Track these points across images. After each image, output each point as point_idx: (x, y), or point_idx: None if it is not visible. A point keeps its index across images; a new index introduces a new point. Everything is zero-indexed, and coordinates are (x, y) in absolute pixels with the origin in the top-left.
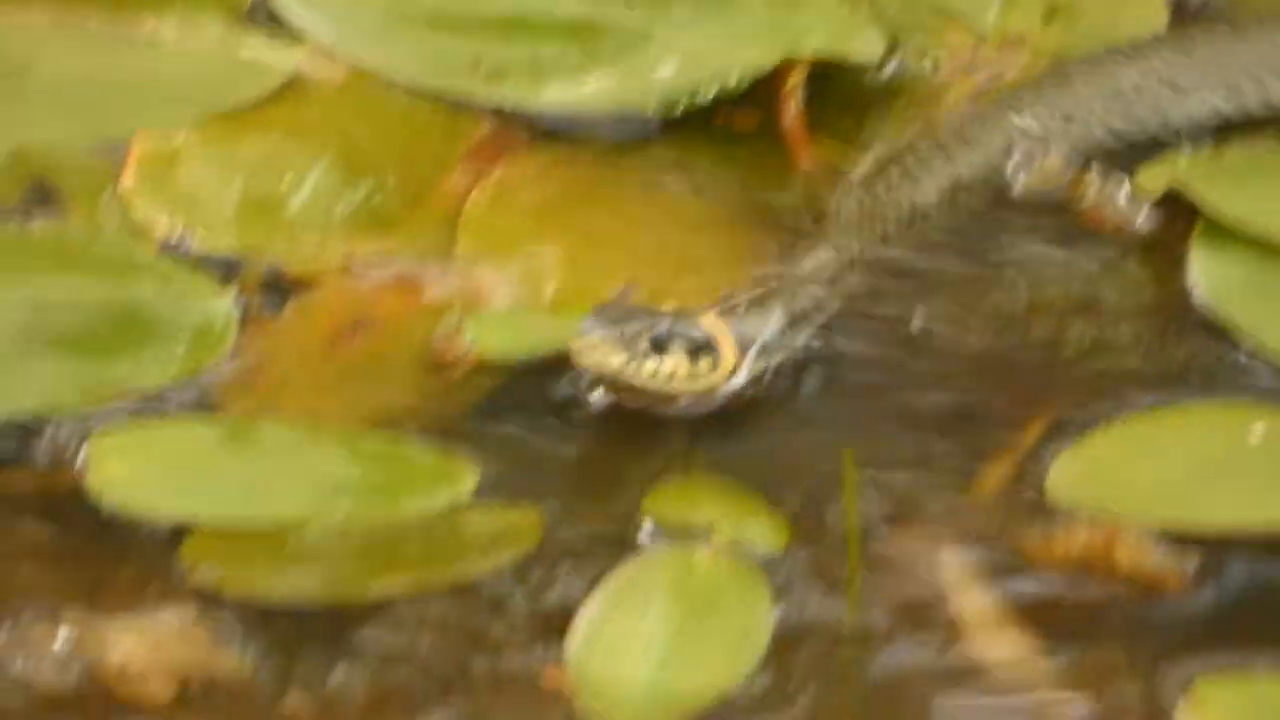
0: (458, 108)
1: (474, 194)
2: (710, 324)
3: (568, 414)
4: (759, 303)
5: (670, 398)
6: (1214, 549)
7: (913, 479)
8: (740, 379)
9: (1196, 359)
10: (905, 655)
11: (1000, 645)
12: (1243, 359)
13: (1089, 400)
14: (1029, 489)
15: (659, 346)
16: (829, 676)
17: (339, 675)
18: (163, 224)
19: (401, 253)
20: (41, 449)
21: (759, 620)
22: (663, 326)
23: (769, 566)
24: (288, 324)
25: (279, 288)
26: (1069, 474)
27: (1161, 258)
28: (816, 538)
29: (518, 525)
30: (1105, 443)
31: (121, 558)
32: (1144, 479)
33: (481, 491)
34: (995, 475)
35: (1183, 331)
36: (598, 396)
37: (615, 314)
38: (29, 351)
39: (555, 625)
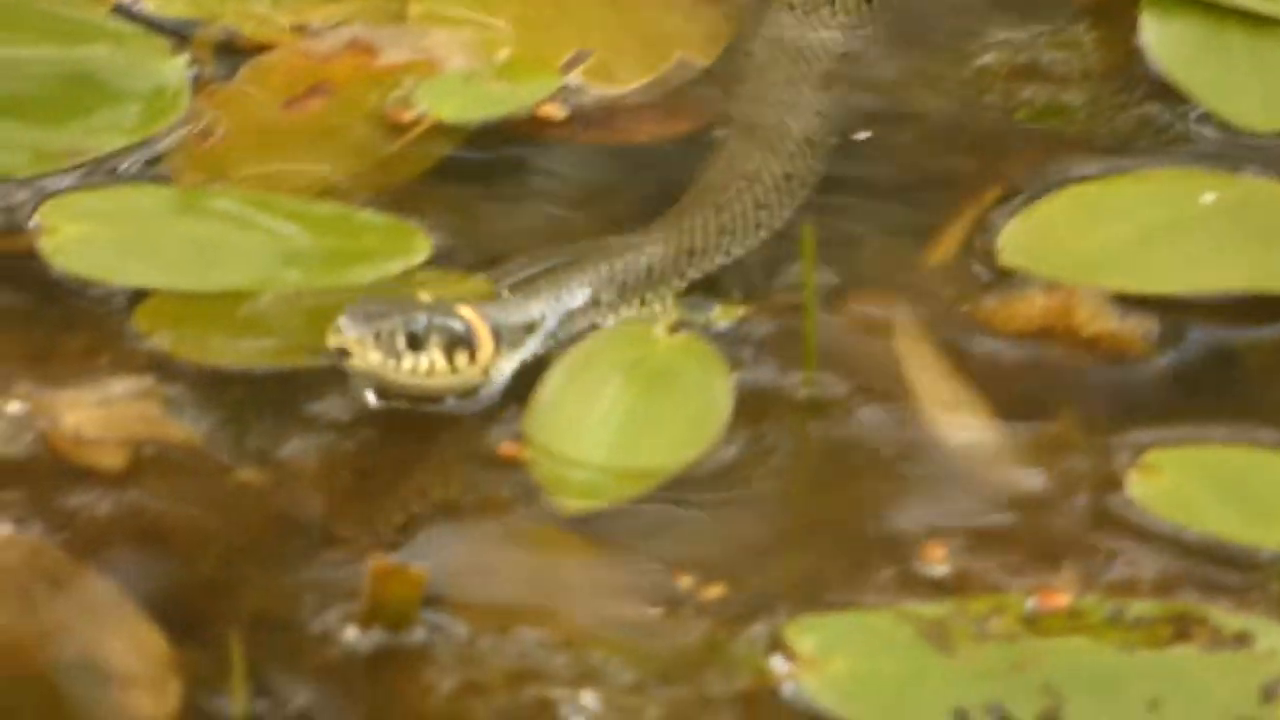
0: None
1: None
2: (467, 315)
3: (520, 180)
4: (526, 286)
5: (434, 395)
6: (1173, 315)
7: (867, 249)
8: (504, 371)
9: (1148, 123)
10: (861, 425)
11: (956, 414)
12: (1193, 123)
13: (1041, 166)
14: (984, 257)
15: (415, 343)
16: (786, 448)
17: (291, 445)
18: None
19: (355, 17)
20: None
21: (718, 394)
22: (419, 322)
23: (725, 341)
24: (241, 89)
25: (232, 52)
26: (1020, 239)
27: (1112, 22)
28: (771, 312)
29: (470, 293)
30: (1056, 208)
31: (74, 325)
32: (1094, 244)
33: (434, 259)
34: (949, 242)
35: (1134, 96)
36: (370, 398)
37: (372, 309)
38: None
39: (512, 398)
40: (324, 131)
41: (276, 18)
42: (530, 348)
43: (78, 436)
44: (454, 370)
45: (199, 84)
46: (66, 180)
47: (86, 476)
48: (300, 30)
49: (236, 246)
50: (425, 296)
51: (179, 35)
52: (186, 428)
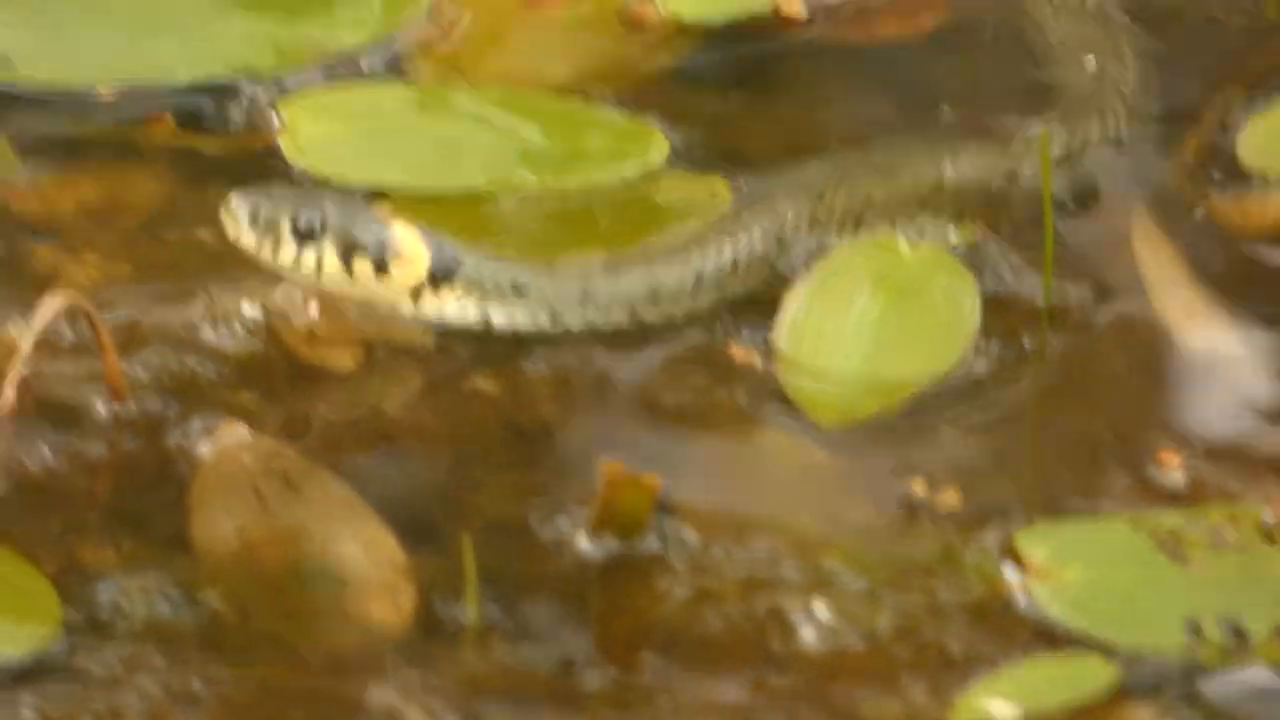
0: None
1: None
2: (397, 229)
3: (760, 80)
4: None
5: (352, 301)
6: None
7: (1105, 152)
8: (451, 310)
9: None
10: (1100, 333)
11: (1195, 321)
12: None
13: None
14: (1225, 158)
15: (304, 235)
16: (1024, 357)
17: (523, 352)
18: None
19: None
20: (235, 111)
21: (966, 306)
22: (311, 214)
23: (967, 255)
24: None
25: None
26: (1260, 137)
27: None
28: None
29: (709, 194)
30: None
31: None
32: None
33: (673, 159)
34: (1191, 144)
35: None
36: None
37: (277, 194)
38: (223, 8)
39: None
40: (564, 30)
41: None
42: (521, 312)
43: (311, 337)
44: (351, 275)
45: None
46: (307, 77)
47: (320, 378)
48: None
49: (475, 146)
50: (379, 209)
51: None
52: (419, 331)
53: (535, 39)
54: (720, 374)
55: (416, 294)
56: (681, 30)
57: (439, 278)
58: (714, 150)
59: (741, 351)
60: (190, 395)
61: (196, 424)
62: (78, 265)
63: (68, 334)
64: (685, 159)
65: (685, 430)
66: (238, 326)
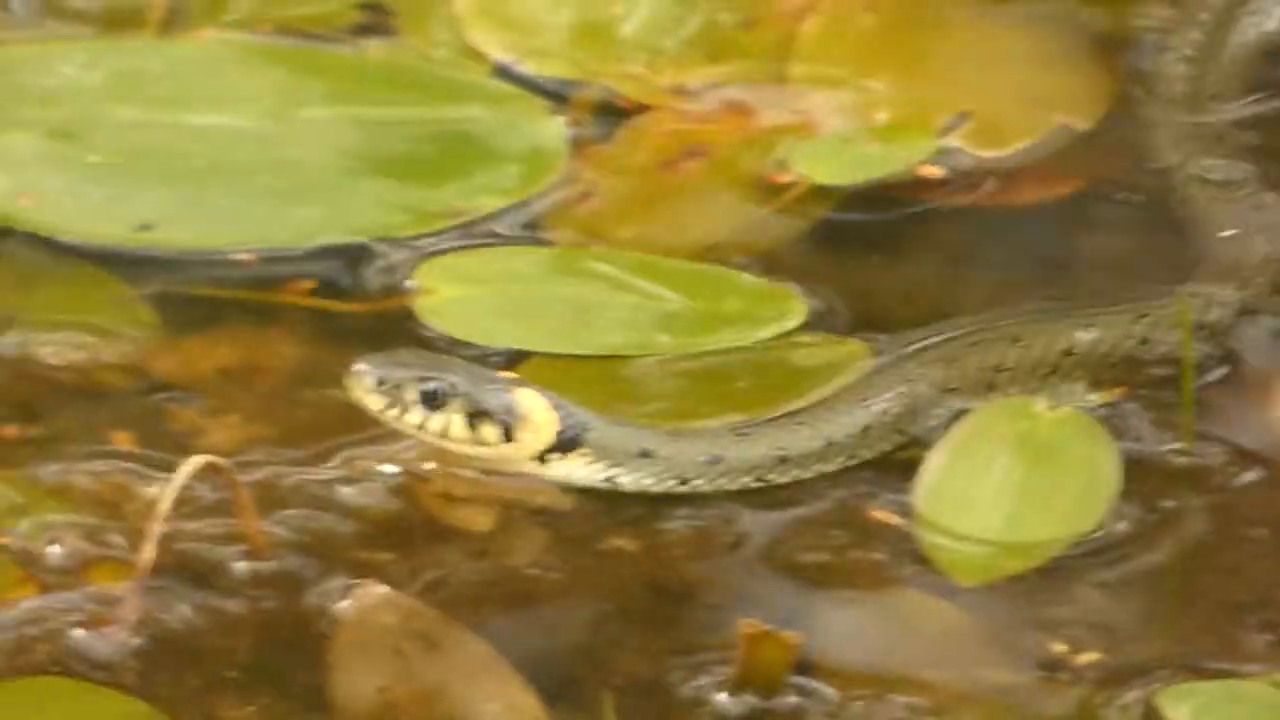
0: None
1: (807, 19)
2: (524, 394)
3: (897, 243)
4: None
5: (475, 464)
6: None
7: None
8: (576, 473)
9: None
10: (1240, 492)
11: None
12: None
13: None
14: None
15: (432, 401)
16: (1164, 517)
17: (662, 512)
18: (494, 47)
19: (733, 79)
20: (372, 273)
21: (1105, 467)
22: (438, 382)
23: (1105, 417)
24: (618, 151)
25: (610, 113)
26: None
27: None
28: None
29: (846, 357)
30: None
31: None
32: None
33: (811, 323)
34: None
35: None
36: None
37: (404, 360)
38: (360, 174)
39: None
40: (700, 193)
41: (655, 78)
42: (648, 476)
43: (448, 497)
44: (479, 441)
45: (576, 145)
46: (444, 240)
47: (458, 537)
48: (678, 91)
49: (612, 309)
50: (506, 375)
51: (557, 96)
52: (555, 491)
53: (672, 203)
54: (857, 533)
55: (543, 459)
56: (817, 194)
57: (566, 444)
58: (850, 313)
59: (878, 511)
60: (328, 554)
61: (335, 582)
62: (218, 425)
63: (208, 493)
64: (822, 322)
65: (824, 588)
66: (375, 486)
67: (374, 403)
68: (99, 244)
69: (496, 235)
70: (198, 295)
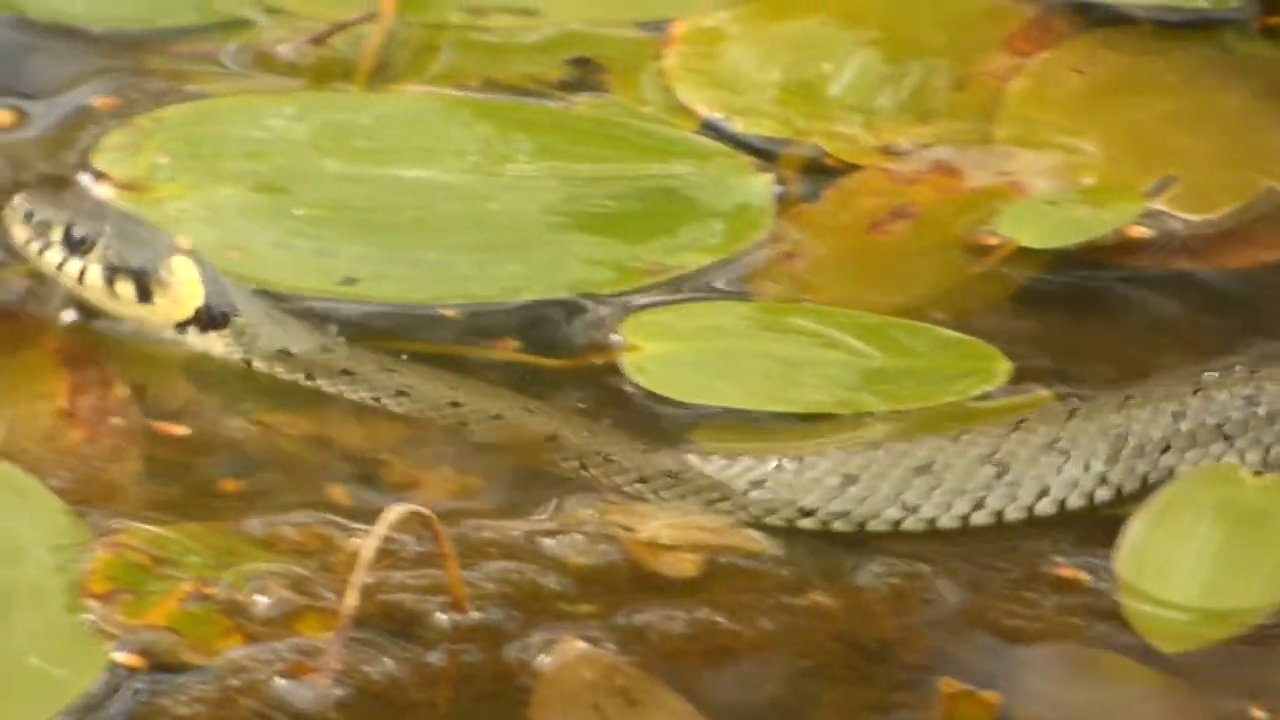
0: None
1: (1014, 81)
2: (178, 263)
3: (1102, 305)
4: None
5: (110, 316)
6: None
7: None
8: (212, 346)
9: None
10: None
11: None
12: None
13: None
14: None
15: (75, 245)
16: None
17: (861, 567)
18: (703, 104)
19: (941, 139)
20: (576, 328)
21: None
22: (86, 226)
23: None
24: (825, 209)
25: (817, 172)
26: None
27: None
28: None
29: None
30: None
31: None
32: None
33: (1015, 382)
34: None
35: None
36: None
37: (69, 200)
38: (565, 229)
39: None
40: (906, 254)
41: (863, 138)
42: (283, 370)
43: (653, 545)
44: (113, 295)
45: (783, 202)
46: (648, 296)
47: (661, 587)
48: (886, 151)
49: (816, 366)
50: (182, 241)
51: (765, 153)
52: (761, 540)
53: (877, 263)
54: (1052, 591)
55: (183, 328)
56: (1023, 256)
57: (209, 320)
58: (1052, 374)
59: (1076, 572)
60: (531, 606)
61: (537, 636)
62: (430, 477)
63: (413, 544)
64: (1024, 382)
65: (1021, 647)
66: (579, 537)
67: (20, 234)
68: (305, 297)
69: (700, 291)
70: (403, 350)
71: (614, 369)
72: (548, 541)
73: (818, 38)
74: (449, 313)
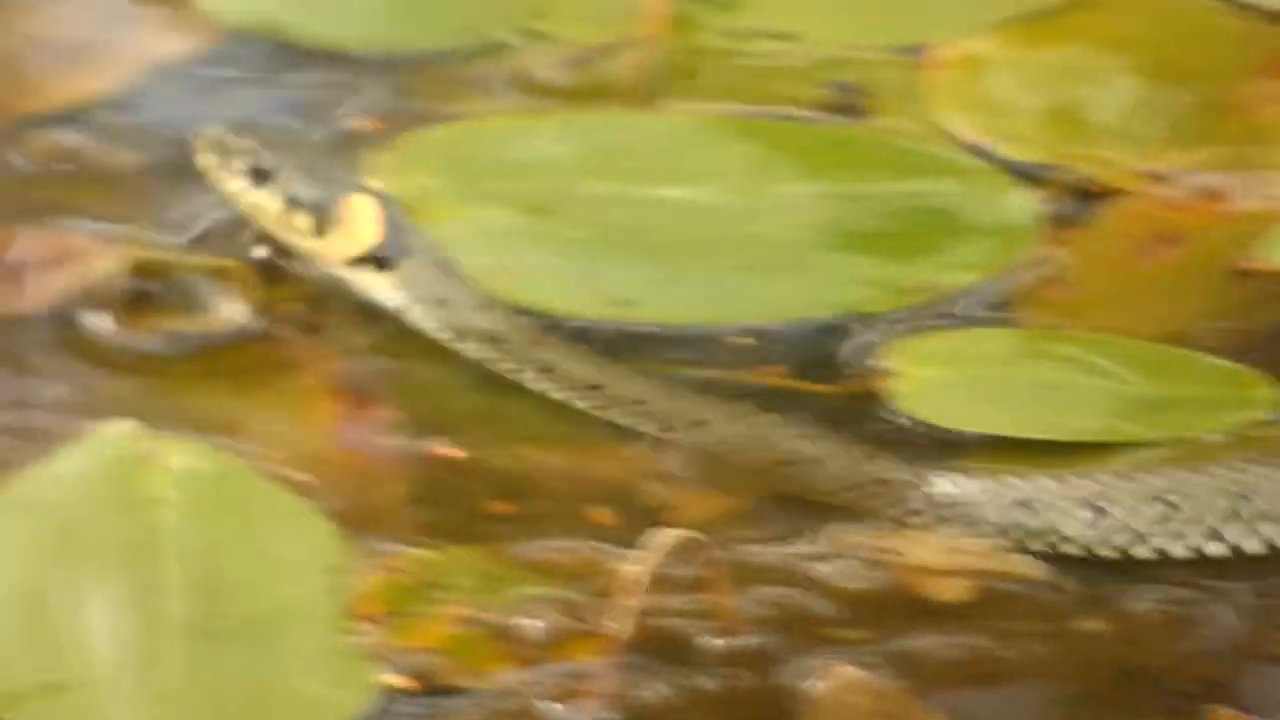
0: (1258, 14)
1: (1277, 105)
2: (357, 201)
3: None
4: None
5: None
6: None
7: None
8: (375, 288)
9: None
10: None
11: None
12: None
13: None
14: None
15: (258, 176)
16: None
17: (1136, 595)
18: (966, 128)
19: (1207, 164)
20: (840, 351)
21: None
22: (273, 160)
23: None
24: (1090, 234)
25: (1082, 196)
26: None
27: None
28: None
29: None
30: None
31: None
32: None
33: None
34: None
35: None
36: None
37: (265, 134)
38: (830, 249)
39: None
40: (1172, 280)
41: (1127, 163)
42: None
43: (923, 570)
44: (290, 227)
45: (1047, 227)
46: (912, 319)
47: (931, 612)
48: (1151, 176)
49: (1083, 393)
50: (373, 183)
51: (1028, 178)
52: (1033, 565)
53: (1142, 289)
54: None
55: (356, 265)
56: None
57: (381, 261)
58: None
59: None
60: (802, 631)
61: (807, 661)
62: (693, 500)
63: (682, 568)
64: None
65: None
66: (849, 562)
67: (205, 160)
68: (577, 319)
69: (964, 314)
70: (679, 374)
71: (880, 394)
72: (817, 566)
73: (1078, 63)
74: (735, 338)
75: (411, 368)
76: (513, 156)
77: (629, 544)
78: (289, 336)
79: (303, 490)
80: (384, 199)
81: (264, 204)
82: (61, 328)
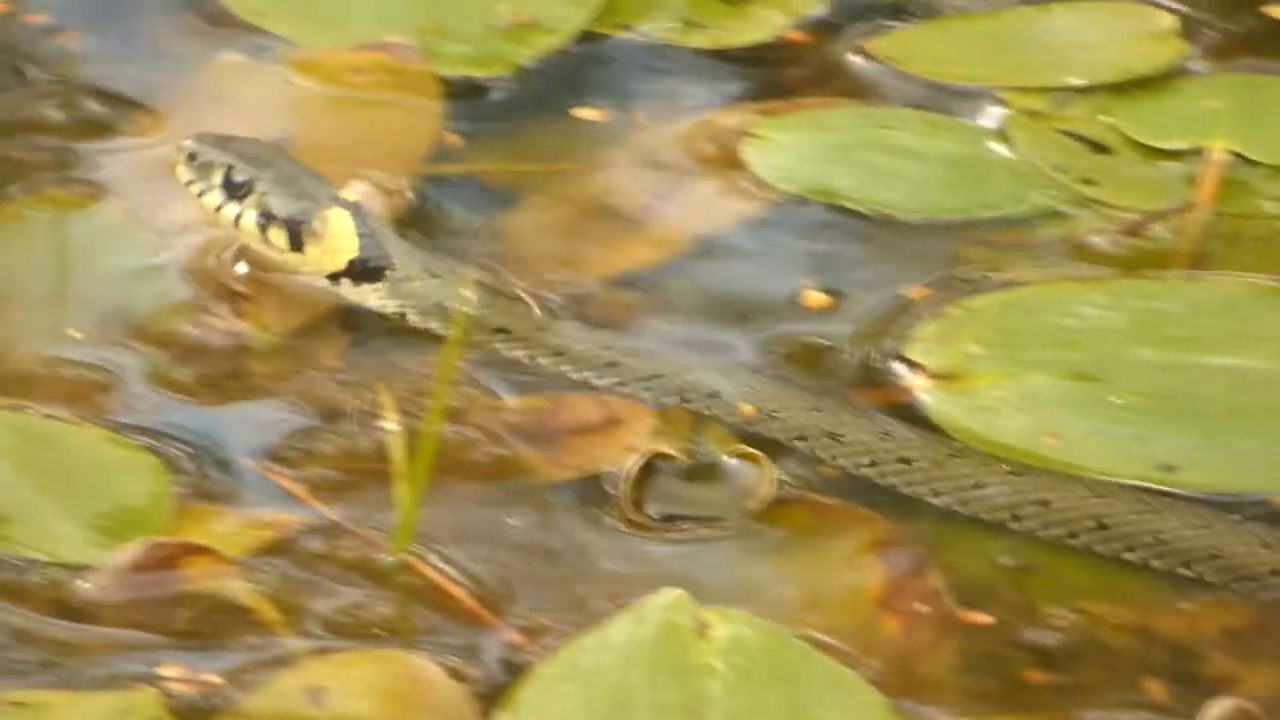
0: None
1: None
2: (334, 215)
3: None
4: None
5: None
6: None
7: None
8: (364, 298)
9: None
10: None
11: None
12: None
13: None
14: None
15: (234, 189)
16: None
17: None
18: None
19: None
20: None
21: None
22: (245, 173)
23: None
24: None
25: None
26: None
27: None
28: None
29: None
30: None
31: None
32: None
33: None
34: None
35: None
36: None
37: (239, 144)
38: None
39: None
40: None
41: None
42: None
43: None
44: (266, 242)
45: None
46: None
47: None
48: None
49: None
50: (349, 193)
51: None
52: None
53: None
54: None
55: (335, 280)
56: None
57: (362, 273)
58: None
59: None
60: None
61: None
62: (1251, 672)
63: None
64: None
65: None
66: None
67: (182, 174)
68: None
69: None
70: None
71: None
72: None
73: None
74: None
75: (949, 532)
76: (1060, 323)
77: (1179, 716)
78: (828, 500)
79: (847, 659)
80: (359, 210)
81: (239, 220)
82: (592, 495)
